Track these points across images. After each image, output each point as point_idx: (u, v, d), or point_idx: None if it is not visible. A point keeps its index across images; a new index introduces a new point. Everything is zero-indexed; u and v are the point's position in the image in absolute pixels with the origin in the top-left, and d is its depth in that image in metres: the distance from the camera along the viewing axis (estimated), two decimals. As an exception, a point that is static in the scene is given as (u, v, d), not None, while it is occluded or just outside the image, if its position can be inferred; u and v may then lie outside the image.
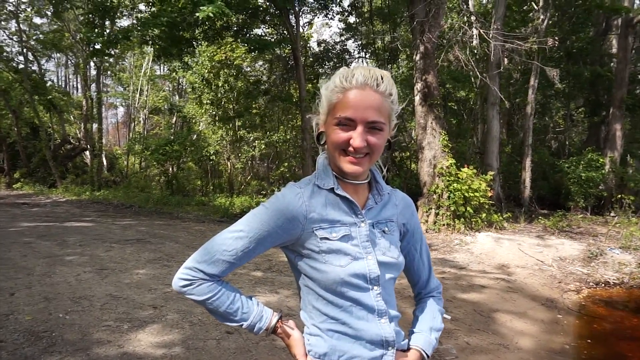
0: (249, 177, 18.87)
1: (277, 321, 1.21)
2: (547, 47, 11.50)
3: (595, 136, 16.47)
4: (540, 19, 13.36)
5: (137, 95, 26.48)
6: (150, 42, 10.19)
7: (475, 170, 9.70)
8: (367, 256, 1.15)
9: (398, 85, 17.24)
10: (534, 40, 11.29)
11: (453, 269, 6.67)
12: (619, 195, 12.09)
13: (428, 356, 1.23)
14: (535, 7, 14.59)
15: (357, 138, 1.07)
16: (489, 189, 9.56)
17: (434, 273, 1.39)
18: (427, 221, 9.77)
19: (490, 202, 9.71)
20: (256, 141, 17.26)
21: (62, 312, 3.96)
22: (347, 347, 1.13)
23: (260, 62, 18.95)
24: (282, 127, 17.51)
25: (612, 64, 16.53)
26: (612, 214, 11.90)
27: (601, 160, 12.73)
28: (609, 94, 14.78)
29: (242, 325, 1.17)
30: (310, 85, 15.51)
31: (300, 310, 1.26)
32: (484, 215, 9.39)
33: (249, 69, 19.11)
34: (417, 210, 10.08)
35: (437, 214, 9.72)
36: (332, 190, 1.16)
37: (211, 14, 7.77)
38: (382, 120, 1.09)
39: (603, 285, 6.47)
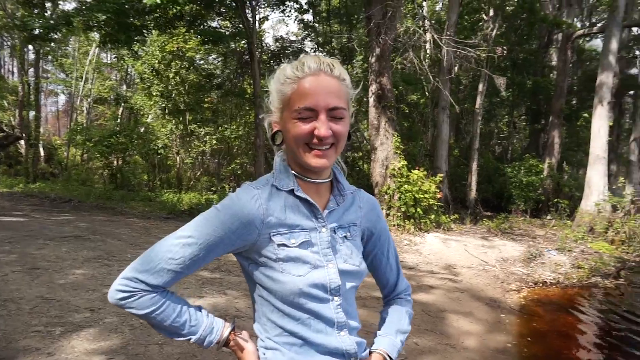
0: (198, 173, 18.34)
1: (230, 333, 1.09)
2: (496, 56, 11.97)
3: (536, 143, 17.41)
4: (490, 29, 13.92)
5: (81, 83, 25.03)
6: (96, 28, 9.60)
7: (425, 172, 9.92)
8: (327, 264, 1.07)
9: (352, 86, 17.37)
10: (483, 48, 11.72)
11: (403, 270, 6.76)
12: (555, 200, 12.83)
13: (392, 359, 1.17)
14: (485, 17, 15.19)
15: (322, 127, 0.98)
16: (438, 190, 9.81)
17: (402, 275, 1.33)
18: (378, 221, 9.89)
19: (439, 203, 9.97)
20: (207, 136, 16.80)
21: (-16, 316, 3.60)
22: (304, 357, 1.05)
23: (214, 56, 18.47)
24: (234, 122, 17.14)
25: (552, 75, 17.54)
26: (549, 217, 12.59)
27: (540, 166, 13.46)
28: (549, 103, 15.66)
29: (190, 339, 1.05)
30: (264, 81, 15.29)
31: (254, 322, 1.15)
32: (432, 216, 9.63)
33: (202, 61, 18.58)
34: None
35: (387, 215, 9.85)
36: (291, 191, 1.06)
37: (159, 1, 7.41)
38: (343, 105, 1.03)
39: (541, 284, 6.79)
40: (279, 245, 1.03)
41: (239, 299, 4.69)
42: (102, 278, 4.87)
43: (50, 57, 27.25)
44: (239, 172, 17.07)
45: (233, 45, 15.85)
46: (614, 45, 11.34)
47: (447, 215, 10.18)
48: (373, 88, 10.22)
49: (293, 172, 1.07)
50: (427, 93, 15.68)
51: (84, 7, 8.91)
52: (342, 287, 1.08)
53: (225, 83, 16.27)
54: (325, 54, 18.21)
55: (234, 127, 16.83)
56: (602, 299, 6.50)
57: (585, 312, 5.83)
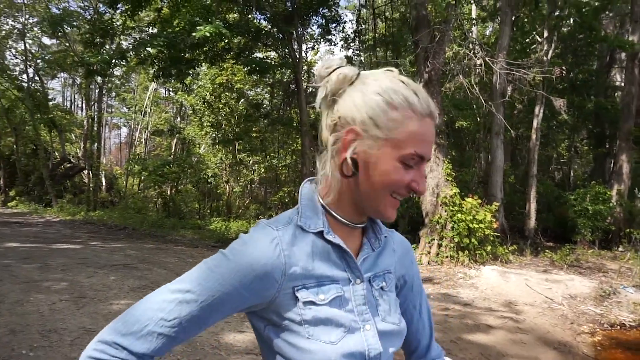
0: (247, 201, 18.55)
1: None
2: (553, 78, 11.37)
3: (601, 168, 16.21)
4: (544, 50, 13.30)
5: (140, 116, 26.50)
6: (149, 62, 10.06)
7: (479, 201, 9.37)
8: (364, 325, 0.82)
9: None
10: (538, 69, 11.16)
11: (457, 306, 6.26)
12: (628, 230, 11.71)
13: None
14: (539, 38, 14.58)
15: (422, 182, 0.80)
16: (494, 220, 9.22)
17: (434, 336, 1.04)
18: (429, 252, 9.38)
19: (496, 233, 9.35)
20: (256, 165, 17.01)
21: (26, 348, 3.58)
22: None
23: (262, 87, 18.93)
24: (282, 151, 17.30)
25: (616, 96, 16.44)
26: (621, 249, 11.50)
27: (608, 193, 12.41)
28: (614, 126, 14.61)
29: None
30: (311, 110, 15.40)
31: None
32: (488, 247, 9.01)
33: (250, 92, 19.09)
34: (420, 240, 9.74)
35: (439, 245, 9.33)
36: (320, 234, 0.82)
37: (208, 34, 7.62)
38: None
39: (618, 327, 6.04)
40: (305, 303, 0.79)
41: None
42: (144, 309, 4.80)
43: (113, 93, 29.14)
44: (286, 199, 17.09)
45: (279, 76, 16.15)
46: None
47: (505, 247, 9.51)
48: (422, 114, 9.93)
49: (323, 207, 0.83)
50: (478, 118, 15.13)
51: (137, 42, 9.38)
52: (383, 354, 0.83)
53: (272, 112, 16.53)
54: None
55: (282, 155, 16.99)
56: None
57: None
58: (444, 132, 9.95)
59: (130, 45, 9.65)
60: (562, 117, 12.63)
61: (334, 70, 0.80)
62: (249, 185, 18.47)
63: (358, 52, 17.82)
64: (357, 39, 17.46)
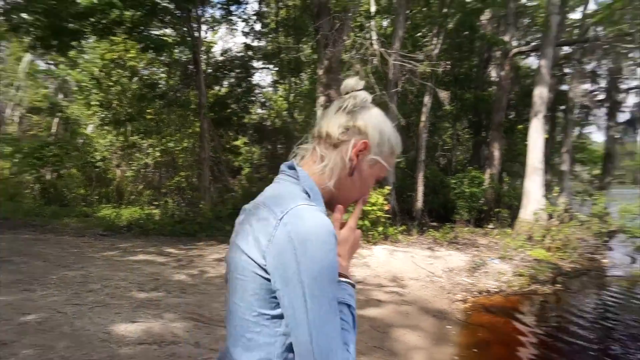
0: (140, 187, 17.51)
1: None
2: (440, 71, 12.35)
3: (478, 155, 18.08)
4: (433, 45, 14.37)
5: (13, 91, 23.43)
6: (24, 29, 8.90)
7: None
8: None
9: (301, 98, 17.34)
10: (428, 63, 12.06)
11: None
12: (497, 209, 13.32)
13: None
14: (430, 33, 15.69)
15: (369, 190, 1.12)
16: (386, 202, 9.86)
17: None
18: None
19: (387, 215, 10.02)
20: (150, 148, 16.07)
21: None
22: None
23: (158, 66, 17.83)
24: (179, 134, 16.55)
25: (492, 90, 18.38)
26: (491, 226, 13.02)
27: (482, 177, 13.94)
28: (489, 117, 16.35)
29: None
30: (210, 92, 14.93)
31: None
32: (380, 228, 9.65)
33: (145, 71, 17.89)
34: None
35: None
36: None
37: (95, 2, 6.97)
38: None
39: (485, 293, 6.93)
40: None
41: (176, 322, 4.38)
42: (19, 305, 4.39)
43: (-24, 62, 25.32)
44: (183, 184, 16.46)
45: (177, 55, 15.36)
46: (547, 62, 12.03)
47: (395, 227, 10.25)
48: (321, 100, 10.19)
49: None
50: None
51: (8, 5, 8.22)
52: None
53: (169, 93, 15.69)
54: (273, 66, 18.09)
55: (179, 138, 16.25)
56: (541, 305, 6.73)
57: (526, 319, 5.97)
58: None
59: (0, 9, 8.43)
60: (446, 107, 13.79)
61: (361, 90, 1.06)
62: (142, 170, 17.42)
63: (259, 35, 17.59)
64: (259, 22, 17.22)
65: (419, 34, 16.51)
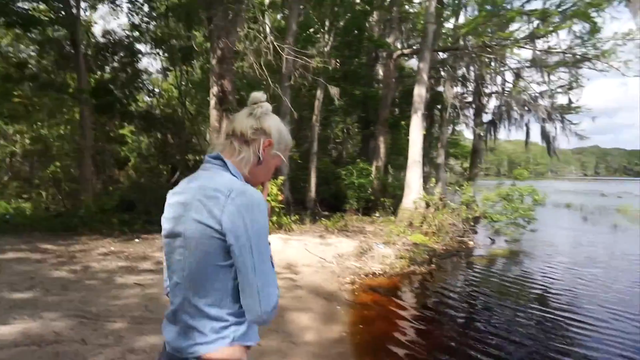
0: (6, 178, 15.48)
1: None
2: (330, 67, 12.90)
3: (366, 148, 19.25)
4: (325, 41, 14.93)
5: None
6: None
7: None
8: None
9: (193, 86, 16.77)
10: (320, 60, 12.52)
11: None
12: (382, 199, 14.38)
13: None
14: (322, 30, 16.24)
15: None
16: (280, 193, 10.11)
17: None
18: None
19: (281, 205, 10.27)
20: (18, 135, 14.28)
21: None
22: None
23: (28, 44, 15.83)
24: (53, 120, 14.93)
25: (378, 87, 19.64)
26: (377, 215, 14.03)
27: (369, 168, 14.92)
28: (376, 113, 17.50)
29: None
30: (92, 76, 13.71)
31: (208, 308, 1.25)
32: (274, 218, 9.87)
33: (10, 49, 15.79)
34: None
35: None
36: None
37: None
38: None
39: (371, 275, 7.53)
40: None
41: (58, 320, 4.11)
42: None
43: None
44: (59, 176, 14.95)
45: (51, 34, 13.80)
46: (426, 65, 13.25)
47: (289, 217, 10.55)
48: (214, 90, 10.04)
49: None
50: (269, 99, 16.02)
51: None
52: None
53: (41, 75, 14.05)
54: (162, 52, 17.20)
55: (53, 125, 14.65)
56: (419, 283, 7.52)
57: (406, 296, 6.66)
58: (235, 109, 10.28)
59: None
60: (337, 102, 14.45)
61: (265, 101, 1.41)
62: (8, 159, 15.41)
63: (147, 19, 16.56)
64: (147, 4, 16.19)
65: (311, 30, 16.98)
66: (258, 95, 1.42)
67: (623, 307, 6.24)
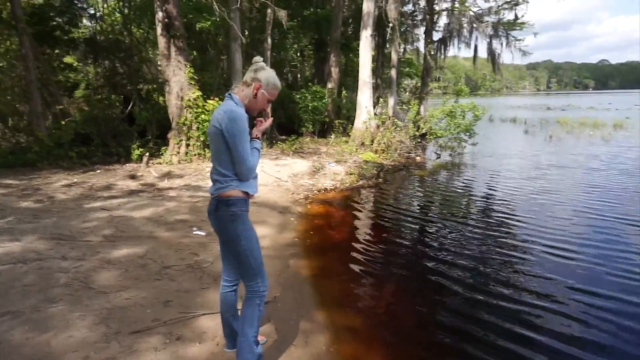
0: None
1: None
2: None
3: (320, 71, 19.30)
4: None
5: None
6: None
7: (220, 102, 10.31)
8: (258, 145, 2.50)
9: (137, 11, 15.96)
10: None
11: (205, 194, 7.31)
12: (336, 120, 14.91)
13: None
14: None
15: (268, 107, 2.51)
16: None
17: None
18: (179, 152, 10.07)
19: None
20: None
21: None
22: None
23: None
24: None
25: (330, 7, 19.28)
26: (332, 136, 14.64)
27: (323, 91, 15.23)
28: (328, 34, 17.42)
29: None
30: (26, 1, 12.76)
31: (222, 169, 2.36)
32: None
33: None
34: (169, 143, 10.27)
35: (187, 145, 10.10)
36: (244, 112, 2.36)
37: None
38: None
39: (323, 191, 8.27)
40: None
41: (36, 242, 4.59)
42: None
43: None
44: (4, 111, 14.39)
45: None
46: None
47: (246, 142, 10.94)
48: (159, 16, 9.83)
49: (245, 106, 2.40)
50: (217, 21, 15.59)
51: None
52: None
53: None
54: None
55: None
56: (366, 195, 8.34)
57: (353, 206, 7.46)
58: (183, 35, 10.18)
59: None
60: (286, 25, 14.28)
61: (262, 61, 2.43)
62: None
63: None
64: None
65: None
66: (256, 58, 2.43)
67: (553, 208, 7.34)
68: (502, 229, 6.07)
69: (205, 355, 2.80)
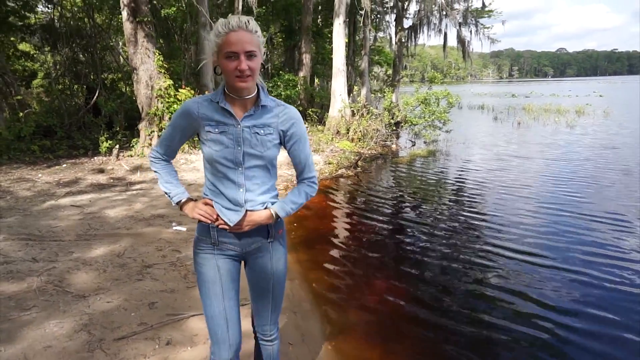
0: None
1: (186, 200, 1.76)
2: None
3: (292, 58, 19.03)
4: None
5: None
6: None
7: (193, 91, 9.96)
8: (236, 147, 1.63)
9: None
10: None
11: (184, 186, 7.03)
12: (310, 110, 14.71)
13: (278, 216, 1.72)
14: None
15: (242, 63, 1.50)
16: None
17: (309, 168, 1.80)
18: (150, 144, 9.66)
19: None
20: None
21: None
22: (217, 199, 1.69)
23: None
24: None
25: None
26: (306, 125, 14.43)
27: (296, 79, 14.97)
28: (299, 21, 17.12)
29: (168, 196, 1.77)
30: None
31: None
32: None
33: None
34: (140, 134, 9.83)
35: (159, 136, 9.69)
36: (218, 103, 1.62)
37: None
38: (255, 49, 1.52)
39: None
40: (207, 131, 1.63)
41: (1, 243, 4.25)
42: None
43: None
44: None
45: None
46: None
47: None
48: (125, 0, 9.32)
49: (226, 91, 1.64)
50: (184, 8, 15.05)
51: None
52: (246, 161, 1.64)
53: None
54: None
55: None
56: (345, 184, 8.25)
57: (334, 196, 7.35)
58: (150, 22, 9.70)
59: None
60: (255, 11, 13.91)
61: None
62: None
63: None
64: None
65: None
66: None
67: (526, 190, 7.45)
68: (479, 213, 6.10)
69: (200, 361, 2.63)
